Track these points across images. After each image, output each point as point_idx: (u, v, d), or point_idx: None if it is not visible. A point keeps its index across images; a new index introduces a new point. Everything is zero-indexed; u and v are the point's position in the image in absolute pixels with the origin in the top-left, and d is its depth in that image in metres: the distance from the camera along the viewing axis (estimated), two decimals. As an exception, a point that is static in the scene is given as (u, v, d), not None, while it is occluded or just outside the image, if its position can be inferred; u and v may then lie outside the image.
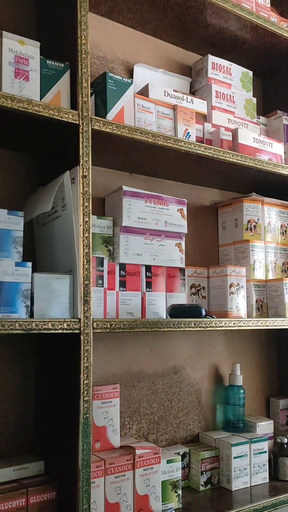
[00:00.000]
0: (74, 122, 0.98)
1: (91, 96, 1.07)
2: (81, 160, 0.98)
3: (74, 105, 1.01)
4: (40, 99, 0.97)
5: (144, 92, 1.24)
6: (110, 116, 1.09)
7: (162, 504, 1.12)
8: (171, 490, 1.15)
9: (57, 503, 0.99)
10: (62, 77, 1.00)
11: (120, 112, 1.10)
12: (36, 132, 1.03)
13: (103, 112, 1.09)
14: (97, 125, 1.01)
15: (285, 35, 1.43)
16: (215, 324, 1.15)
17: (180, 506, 1.16)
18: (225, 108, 1.42)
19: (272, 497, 1.23)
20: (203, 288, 1.33)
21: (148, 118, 1.17)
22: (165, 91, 1.26)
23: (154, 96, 1.23)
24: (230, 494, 1.25)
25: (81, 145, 0.98)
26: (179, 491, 1.16)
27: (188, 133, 1.22)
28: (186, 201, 1.29)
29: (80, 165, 0.98)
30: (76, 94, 1.00)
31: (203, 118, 1.36)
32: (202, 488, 1.26)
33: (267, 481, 1.33)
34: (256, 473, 1.31)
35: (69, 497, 0.94)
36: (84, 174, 0.98)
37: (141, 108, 1.16)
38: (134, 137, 1.07)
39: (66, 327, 0.92)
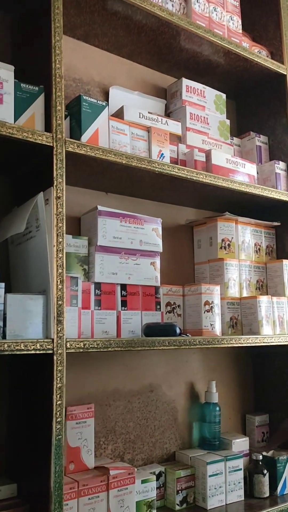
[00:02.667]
0: (48, 144, 0.99)
1: (66, 118, 1.09)
2: (55, 182, 0.99)
3: (48, 127, 1.02)
4: (14, 122, 0.98)
5: (119, 114, 1.27)
6: (85, 138, 1.10)
7: (137, 525, 1.11)
8: (146, 511, 1.15)
9: (30, 526, 0.97)
10: (36, 100, 1.02)
11: (94, 134, 1.12)
12: (10, 154, 1.04)
13: (78, 134, 1.11)
14: (71, 147, 1.03)
15: (256, 60, 1.47)
16: (189, 342, 1.16)
17: (156, 526, 1.16)
18: (199, 129, 1.45)
19: (247, 515, 1.24)
20: (179, 306, 1.34)
21: (122, 139, 1.19)
22: (140, 113, 1.29)
23: (129, 118, 1.25)
24: (206, 513, 1.25)
25: (55, 167, 0.99)
26: (154, 511, 1.16)
27: (162, 154, 1.25)
28: (161, 220, 1.31)
29: (54, 187, 0.99)
30: (50, 116, 1.02)
31: (178, 139, 1.38)
32: (177, 508, 1.26)
33: (243, 498, 1.33)
34: (232, 491, 1.31)
35: (41, 520, 0.93)
36: (58, 195, 0.99)
37: (115, 130, 1.18)
38: (108, 158, 1.09)
39: (39, 347, 0.93)
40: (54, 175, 0.99)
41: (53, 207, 0.98)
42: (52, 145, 1.00)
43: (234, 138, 1.61)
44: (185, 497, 1.28)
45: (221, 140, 1.50)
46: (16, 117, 0.99)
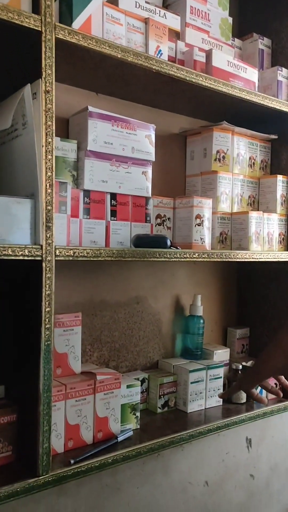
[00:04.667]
0: (36, 28, 0.88)
1: (55, 1, 0.96)
2: (43, 73, 0.89)
3: (36, 9, 0.90)
4: (-3, -1, 0.86)
5: (112, 1, 1.13)
6: (76, 24, 0.99)
7: (121, 425, 1.16)
8: (130, 413, 1.19)
9: (18, 425, 1.00)
10: (22, -26, 0.89)
11: (87, 21, 1.00)
12: (-7, 39, 0.92)
13: (68, 20, 0.99)
14: (61, 33, 0.92)
15: None
16: (179, 255, 1.14)
17: (138, 427, 1.21)
18: (199, 26, 1.32)
19: (225, 418, 1.30)
20: (169, 219, 1.31)
21: (117, 30, 1.07)
22: (136, 2, 1.15)
23: (124, 7, 1.12)
24: (186, 416, 1.31)
25: (43, 56, 0.89)
26: (138, 413, 1.21)
27: (160, 50, 1.14)
28: (155, 127, 1.23)
29: (43, 79, 0.89)
30: (38, -4, 0.89)
31: (176, 35, 1.26)
32: (159, 410, 1.32)
33: (221, 404, 1.39)
34: (211, 396, 1.37)
35: (30, 420, 0.95)
36: (47, 89, 0.90)
37: (110, 18, 1.06)
38: (102, 51, 0.99)
39: (27, 253, 0.89)
40: (43, 65, 0.89)
41: (42, 103, 0.89)
42: (40, 29, 0.88)
43: (235, 39, 1.48)
44: (167, 401, 1.33)
45: (221, 40, 1.38)
46: (-1, -7, 0.87)
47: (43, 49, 0.89)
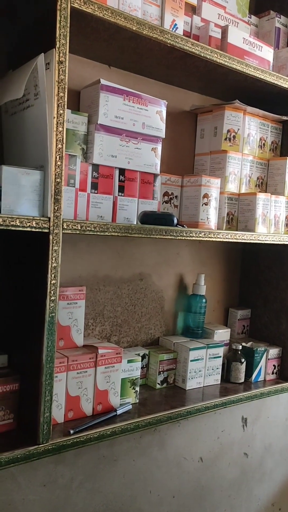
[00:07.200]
0: (52, -4, 0.86)
1: None
2: (57, 43, 0.88)
3: (51, -25, 0.88)
4: None
5: None
6: (92, -6, 0.96)
7: (120, 399, 1.18)
8: (130, 387, 1.21)
9: (20, 394, 1.02)
10: None
11: (103, -10, 0.98)
12: (6, 8, 0.91)
13: (84, -12, 0.96)
14: (77, 2, 0.90)
15: None
16: (185, 233, 1.14)
17: (137, 401, 1.23)
18: (216, 1, 1.29)
19: (222, 396, 1.32)
20: (176, 197, 1.30)
21: (133, 2, 1.05)
22: (153, -27, 1.13)
23: (141, -23, 1.10)
24: (184, 393, 1.33)
25: (58, 25, 0.87)
26: (137, 388, 1.22)
27: (176, 25, 1.12)
28: (166, 103, 1.21)
29: (57, 49, 0.88)
30: None
31: (192, 10, 1.24)
32: (158, 386, 1.34)
33: (219, 382, 1.41)
34: (210, 375, 1.39)
35: (32, 390, 0.97)
36: (60, 59, 0.88)
37: (126, -11, 1.04)
38: (117, 22, 0.97)
39: (35, 225, 0.89)
40: (57, 35, 0.88)
41: (54, 74, 0.88)
42: (56, -3, 0.87)
43: (251, 16, 1.45)
44: (166, 377, 1.35)
45: (238, 17, 1.35)
46: None
47: (58, 18, 0.87)
